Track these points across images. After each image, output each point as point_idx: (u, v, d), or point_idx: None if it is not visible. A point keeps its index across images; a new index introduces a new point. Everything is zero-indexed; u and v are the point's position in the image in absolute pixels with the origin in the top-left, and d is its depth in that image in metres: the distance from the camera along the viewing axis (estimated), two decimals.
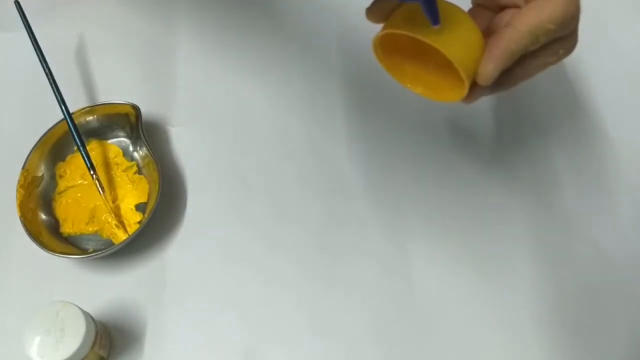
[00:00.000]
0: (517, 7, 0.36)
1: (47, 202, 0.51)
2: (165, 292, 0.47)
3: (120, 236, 0.49)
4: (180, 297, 0.47)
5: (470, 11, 0.39)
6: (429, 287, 0.47)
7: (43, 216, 0.50)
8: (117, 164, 0.53)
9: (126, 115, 0.53)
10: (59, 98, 0.51)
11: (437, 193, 0.51)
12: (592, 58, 0.56)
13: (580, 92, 0.56)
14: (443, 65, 0.33)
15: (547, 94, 0.56)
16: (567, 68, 0.57)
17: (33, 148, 0.50)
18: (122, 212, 0.50)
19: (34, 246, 0.46)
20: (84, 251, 0.48)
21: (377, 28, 0.36)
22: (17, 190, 0.49)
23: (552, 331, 0.45)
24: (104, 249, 0.47)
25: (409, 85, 0.38)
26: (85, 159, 0.50)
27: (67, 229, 0.50)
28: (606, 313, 0.46)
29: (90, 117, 0.53)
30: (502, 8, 0.37)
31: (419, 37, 0.32)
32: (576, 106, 0.55)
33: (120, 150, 0.54)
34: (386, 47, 0.35)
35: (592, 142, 0.54)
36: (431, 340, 0.45)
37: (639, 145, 0.53)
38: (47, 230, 0.49)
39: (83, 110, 0.52)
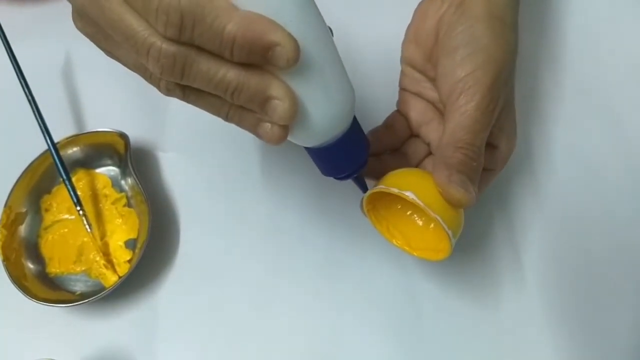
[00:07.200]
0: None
1: (32, 240, 0.48)
2: (156, 338, 0.45)
3: (109, 277, 0.46)
4: (172, 343, 0.45)
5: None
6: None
7: (28, 256, 0.47)
8: (106, 196, 0.50)
9: (114, 144, 0.49)
10: (42, 127, 0.48)
11: None
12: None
13: None
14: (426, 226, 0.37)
15: None
16: None
17: (15, 183, 0.48)
18: (111, 249, 0.48)
19: (17, 292, 0.43)
20: (70, 295, 0.46)
21: None
22: None
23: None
24: (92, 291, 0.45)
25: (393, 241, 0.40)
26: (72, 193, 0.47)
27: (53, 268, 0.47)
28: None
29: (76, 148, 0.50)
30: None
31: (399, 195, 0.35)
32: None
33: (109, 180, 0.51)
34: (377, 205, 0.39)
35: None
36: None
37: None
38: (32, 272, 0.46)
39: (68, 140, 0.49)
